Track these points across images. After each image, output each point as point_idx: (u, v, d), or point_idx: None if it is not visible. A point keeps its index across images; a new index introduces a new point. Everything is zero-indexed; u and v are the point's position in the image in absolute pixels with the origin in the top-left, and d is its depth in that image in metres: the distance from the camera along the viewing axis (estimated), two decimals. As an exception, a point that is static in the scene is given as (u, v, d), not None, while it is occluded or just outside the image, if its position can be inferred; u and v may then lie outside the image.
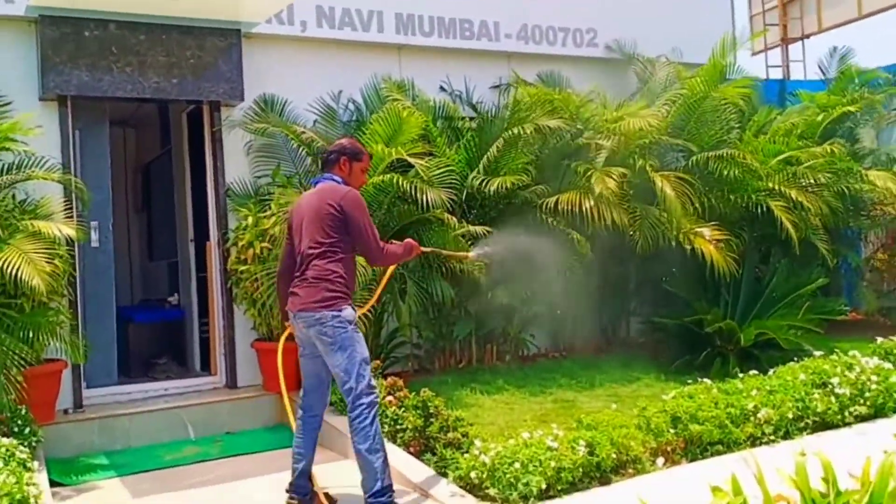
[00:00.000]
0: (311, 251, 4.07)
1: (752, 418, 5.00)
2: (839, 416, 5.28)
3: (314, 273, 4.04)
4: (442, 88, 7.85)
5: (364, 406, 3.95)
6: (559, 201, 6.97)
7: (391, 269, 5.00)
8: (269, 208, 6.28)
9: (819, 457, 3.52)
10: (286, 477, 4.36)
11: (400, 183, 6.25)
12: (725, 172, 7.47)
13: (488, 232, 6.61)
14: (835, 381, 5.40)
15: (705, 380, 5.55)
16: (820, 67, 10.17)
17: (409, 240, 4.59)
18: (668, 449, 4.71)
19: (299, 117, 6.98)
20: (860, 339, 7.05)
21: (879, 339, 6.32)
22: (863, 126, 9.43)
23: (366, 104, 7.33)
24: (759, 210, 7.63)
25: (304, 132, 6.73)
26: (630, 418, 4.87)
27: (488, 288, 7.00)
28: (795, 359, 6.06)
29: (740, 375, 5.75)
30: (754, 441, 4.95)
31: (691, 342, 7.24)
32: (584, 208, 6.84)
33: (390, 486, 3.94)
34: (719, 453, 4.79)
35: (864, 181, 8.13)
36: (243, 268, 6.27)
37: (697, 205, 7.40)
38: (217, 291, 6.79)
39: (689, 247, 7.03)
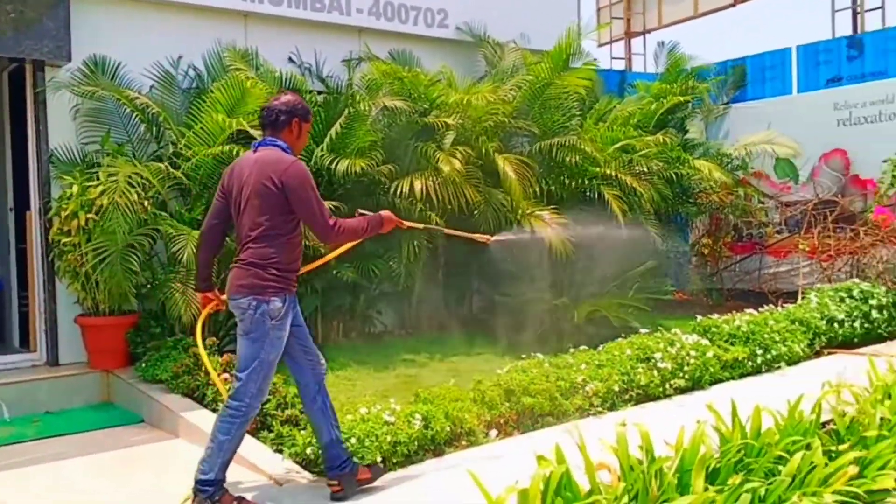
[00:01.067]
0: (250, 233, 3.65)
1: (581, 391, 5.22)
2: (661, 389, 5.61)
3: (250, 257, 3.64)
4: (290, 60, 7.66)
5: (244, 407, 3.66)
6: (405, 181, 6.98)
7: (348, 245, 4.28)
8: (97, 177, 5.91)
9: (638, 427, 3.75)
10: (109, 459, 4.13)
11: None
12: (567, 159, 7.75)
13: (336, 207, 6.54)
14: (658, 356, 5.73)
15: (539, 355, 5.74)
16: (654, 59, 10.72)
17: (383, 211, 4.07)
18: (502, 421, 4.84)
19: (133, 82, 6.59)
20: (684, 318, 7.53)
21: (699, 318, 6.77)
22: (693, 118, 10.05)
23: (208, 72, 7.03)
24: (596, 195, 7.97)
25: (138, 97, 6.37)
26: (466, 392, 4.97)
27: (335, 265, 6.93)
28: (623, 335, 6.37)
29: (572, 351, 5.98)
30: (583, 412, 5.18)
31: (530, 319, 7.49)
32: (430, 188, 6.88)
33: (221, 481, 3.67)
34: (550, 425, 4.97)
35: (692, 168, 8.66)
36: (66, 239, 5.88)
37: (538, 188, 7.63)
38: (37, 263, 6.36)
39: (530, 229, 7.24)
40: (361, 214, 4.00)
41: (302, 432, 4.34)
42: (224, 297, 3.86)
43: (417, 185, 6.93)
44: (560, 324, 7.41)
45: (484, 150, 7.46)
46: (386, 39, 8.29)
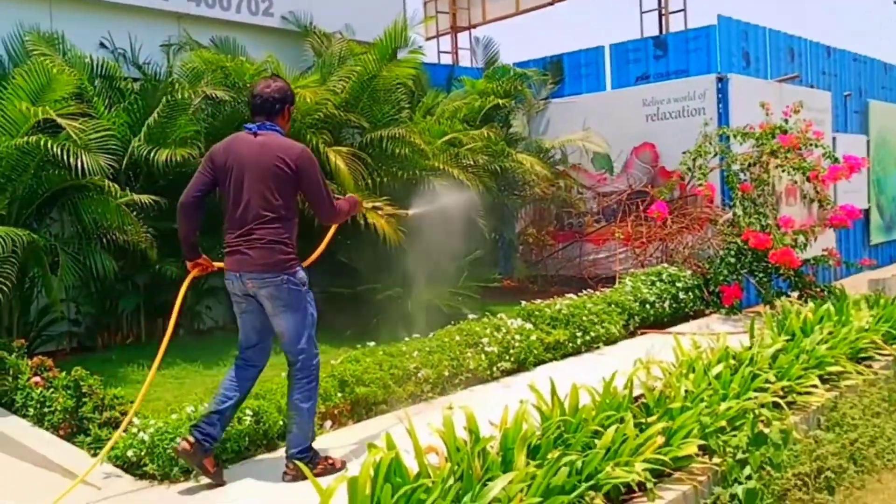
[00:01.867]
0: (264, 213, 3.84)
1: (413, 378, 5.33)
2: (488, 372, 5.83)
3: (268, 235, 3.85)
4: (103, 45, 7.25)
5: (314, 367, 4.01)
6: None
7: (334, 227, 4.63)
8: None
9: (465, 409, 3.88)
10: None
11: (49, 146, 5.66)
12: (397, 151, 7.83)
13: (155, 201, 6.27)
14: (485, 340, 5.94)
15: (372, 344, 5.79)
16: (471, 55, 11.02)
17: (351, 195, 4.51)
18: (336, 412, 4.86)
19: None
20: (511, 304, 7.82)
21: (524, 303, 7.07)
22: (516, 113, 10.43)
23: (9, 57, 6.53)
24: (426, 187, 8.11)
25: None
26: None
27: (158, 260, 6.65)
28: (454, 322, 6.54)
29: (405, 339, 6.08)
30: (415, 399, 5.29)
31: (365, 310, 7.53)
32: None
33: (311, 445, 3.96)
34: (383, 412, 5.05)
35: (515, 162, 9.01)
36: None
37: (370, 180, 7.67)
38: None
39: (362, 220, 7.27)
40: (337, 198, 4.30)
41: (124, 434, 4.14)
42: (217, 263, 4.12)
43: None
44: (394, 313, 7.49)
45: (314, 143, 7.39)
46: (208, 26, 8.03)
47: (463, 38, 16.95)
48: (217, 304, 7.68)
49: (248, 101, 4.16)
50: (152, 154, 6.39)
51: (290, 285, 3.90)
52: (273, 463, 4.15)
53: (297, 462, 3.75)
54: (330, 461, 4.00)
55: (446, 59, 16.66)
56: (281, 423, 4.43)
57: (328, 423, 4.74)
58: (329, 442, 4.49)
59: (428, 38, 17.00)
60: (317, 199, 4.01)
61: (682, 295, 7.93)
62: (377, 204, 7.36)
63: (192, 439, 3.79)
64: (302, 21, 8.71)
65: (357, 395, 4.95)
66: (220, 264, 4.11)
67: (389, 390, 5.12)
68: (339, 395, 4.90)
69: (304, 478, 3.41)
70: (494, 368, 5.87)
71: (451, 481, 3.32)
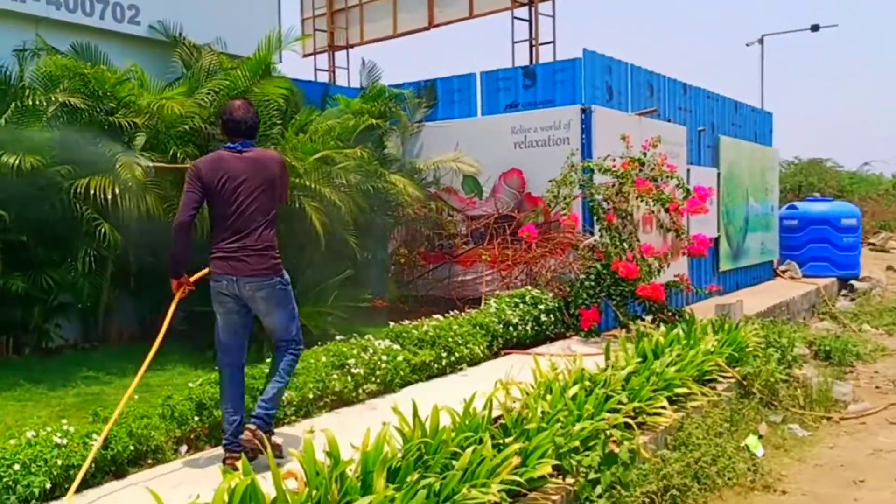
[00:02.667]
0: (260, 220, 4.37)
1: (275, 401, 5.22)
2: (354, 394, 5.81)
3: (263, 242, 4.38)
4: (-54, 46, 6.79)
5: (299, 351, 4.69)
6: (82, 182, 6.49)
7: None
8: None
9: (326, 432, 3.86)
10: None
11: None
12: (267, 168, 7.70)
13: (5, 210, 5.92)
14: (351, 361, 5.92)
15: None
16: (359, 75, 11.06)
17: None
18: (193, 436, 4.71)
19: None
20: (380, 325, 7.83)
21: (392, 324, 7.10)
22: (391, 135, 10.51)
23: None
24: (297, 205, 8.03)
25: None
26: (155, 408, 4.75)
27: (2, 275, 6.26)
28: (320, 343, 6.48)
29: (269, 360, 5.95)
30: (277, 422, 5.18)
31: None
32: (109, 193, 6.47)
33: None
34: (243, 436, 4.92)
35: (388, 182, 9.07)
36: None
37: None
38: None
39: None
40: None
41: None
42: (192, 279, 4.58)
43: (94, 189, 6.47)
44: (259, 334, 7.33)
45: (180, 156, 7.18)
46: (69, 31, 7.68)
47: (340, 56, 16.96)
48: (68, 322, 7.29)
49: (223, 123, 4.50)
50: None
51: (281, 286, 4.48)
52: (123, 491, 3.98)
53: (256, 427, 4.31)
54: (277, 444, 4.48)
55: (323, 78, 16.61)
56: (132, 447, 4.26)
57: (183, 448, 4.60)
58: (182, 468, 4.35)
59: (305, 55, 16.91)
60: (283, 197, 4.63)
61: (543, 317, 8.18)
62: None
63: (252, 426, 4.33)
64: (171, 31, 8.46)
65: (216, 419, 4.80)
66: (198, 275, 4.59)
67: (248, 413, 5.00)
68: (197, 418, 4.76)
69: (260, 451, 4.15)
70: (360, 390, 5.85)
71: (307, 505, 3.30)
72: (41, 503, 3.75)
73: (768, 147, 15.32)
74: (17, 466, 3.73)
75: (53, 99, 6.42)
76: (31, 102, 6.25)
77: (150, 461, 4.38)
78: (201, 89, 7.75)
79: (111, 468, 4.16)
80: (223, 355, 4.54)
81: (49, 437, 3.99)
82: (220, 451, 4.68)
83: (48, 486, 3.77)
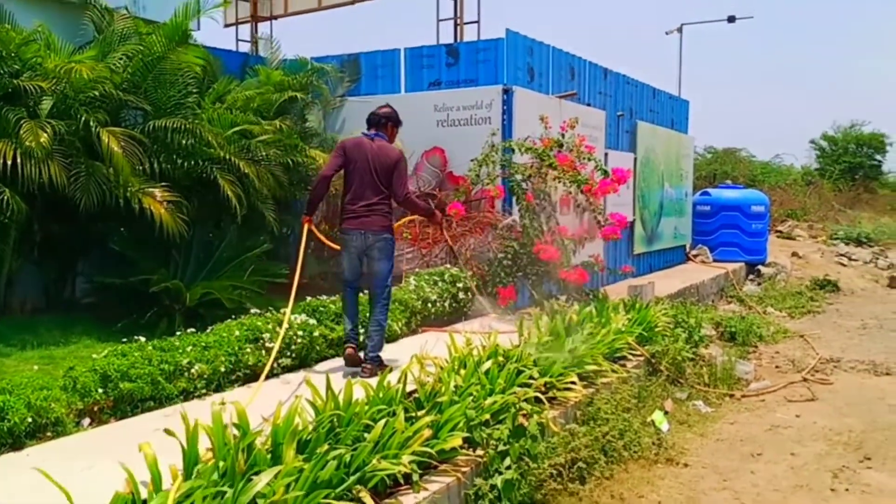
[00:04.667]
0: (381, 192, 5.83)
1: (185, 374, 5.13)
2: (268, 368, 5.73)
3: (384, 209, 5.86)
4: None
5: (390, 294, 6.08)
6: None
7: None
8: None
9: (235, 405, 3.82)
10: None
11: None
12: (183, 142, 7.50)
13: None
14: (266, 336, 5.84)
15: (142, 338, 5.50)
16: (265, 47, 10.78)
17: (437, 211, 6.81)
18: (96, 409, 4.58)
19: None
20: (300, 300, 7.75)
21: (309, 298, 7.03)
22: (312, 108, 10.35)
23: None
24: (212, 177, 7.84)
25: None
26: (56, 380, 4.60)
27: None
28: (235, 317, 6.37)
29: (179, 333, 5.84)
30: (187, 395, 5.10)
31: (139, 302, 7.16)
32: (9, 160, 6.19)
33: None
34: (151, 409, 4.83)
35: (308, 157, 8.95)
36: None
37: (148, 166, 7.30)
38: None
39: (138, 207, 6.90)
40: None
41: None
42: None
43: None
44: (170, 307, 7.19)
45: (91, 123, 6.91)
46: (-31, -11, 7.27)
47: (264, 27, 16.58)
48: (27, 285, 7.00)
49: (367, 118, 6.10)
50: None
51: (391, 242, 5.93)
52: (18, 461, 3.84)
53: (373, 364, 5.71)
54: (386, 366, 5.69)
55: (245, 49, 16.20)
56: (30, 419, 4.11)
57: (87, 421, 4.47)
58: (83, 440, 4.23)
59: (227, 25, 16.44)
60: (401, 184, 5.90)
61: (461, 295, 8.25)
62: (154, 190, 7.04)
63: (353, 345, 5.88)
64: (82, -8, 8.13)
65: (121, 391, 4.70)
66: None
67: (158, 386, 4.91)
68: (101, 390, 4.63)
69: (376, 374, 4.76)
70: (275, 364, 5.78)
71: (214, 476, 3.26)
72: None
73: (684, 134, 15.75)
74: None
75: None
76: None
77: (49, 433, 4.24)
78: (114, 54, 7.47)
79: (9, 440, 4.01)
80: (346, 283, 6.00)
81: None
82: (123, 424, 4.59)
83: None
